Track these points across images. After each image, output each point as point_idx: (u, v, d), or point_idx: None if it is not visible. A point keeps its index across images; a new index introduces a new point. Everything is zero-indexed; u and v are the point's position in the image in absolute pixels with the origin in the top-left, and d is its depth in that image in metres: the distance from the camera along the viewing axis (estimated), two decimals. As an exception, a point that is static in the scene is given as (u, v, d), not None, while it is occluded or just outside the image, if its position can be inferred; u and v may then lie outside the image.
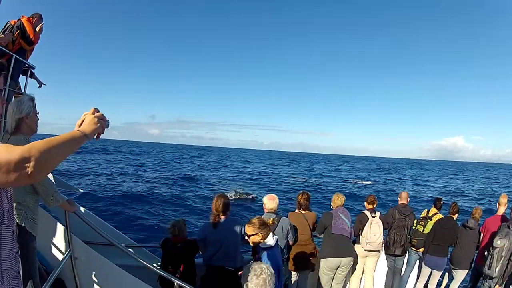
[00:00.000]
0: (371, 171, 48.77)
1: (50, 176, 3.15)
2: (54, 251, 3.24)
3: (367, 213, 4.50)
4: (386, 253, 4.81)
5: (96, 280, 3.06)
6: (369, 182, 29.57)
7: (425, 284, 4.88)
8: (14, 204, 2.16)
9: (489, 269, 3.75)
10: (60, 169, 17.92)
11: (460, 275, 4.69)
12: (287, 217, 3.82)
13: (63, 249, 3.15)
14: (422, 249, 4.80)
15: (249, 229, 2.60)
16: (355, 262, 4.27)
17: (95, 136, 1.23)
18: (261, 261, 2.37)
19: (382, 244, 4.58)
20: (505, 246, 3.64)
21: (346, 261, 4.00)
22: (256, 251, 2.68)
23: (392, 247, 4.68)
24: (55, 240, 3.22)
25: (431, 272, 4.76)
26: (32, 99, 2.25)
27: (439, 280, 4.84)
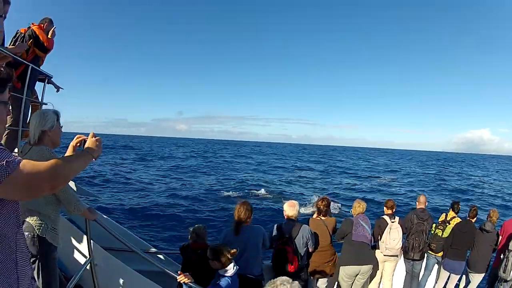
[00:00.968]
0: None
1: (72, 184, 3.09)
2: (73, 257, 3.21)
3: (386, 218, 4.45)
4: (404, 258, 4.77)
5: (115, 286, 3.04)
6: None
7: None
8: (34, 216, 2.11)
9: (504, 272, 3.70)
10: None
11: (477, 278, 4.65)
12: (308, 223, 3.79)
13: (82, 255, 3.12)
14: (440, 253, 4.77)
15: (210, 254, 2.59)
16: (375, 269, 4.23)
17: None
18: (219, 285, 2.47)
19: (401, 249, 4.55)
20: None
21: (366, 268, 3.96)
22: (214, 275, 2.66)
23: (411, 252, 4.64)
24: (74, 246, 3.19)
25: (449, 276, 4.72)
26: (56, 113, 2.24)
27: (456, 284, 4.80)
